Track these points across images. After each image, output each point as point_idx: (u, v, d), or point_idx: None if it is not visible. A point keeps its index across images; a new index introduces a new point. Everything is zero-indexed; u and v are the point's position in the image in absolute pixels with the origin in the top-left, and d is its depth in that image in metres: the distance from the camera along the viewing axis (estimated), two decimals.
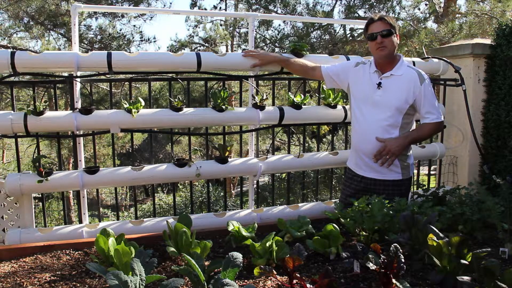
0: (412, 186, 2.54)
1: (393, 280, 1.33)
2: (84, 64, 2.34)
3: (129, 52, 4.99)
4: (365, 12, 10.86)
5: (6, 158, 18.06)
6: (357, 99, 2.43)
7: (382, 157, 2.30)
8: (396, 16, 10.68)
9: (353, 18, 10.50)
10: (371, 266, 1.40)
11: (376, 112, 2.34)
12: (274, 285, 1.48)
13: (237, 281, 1.44)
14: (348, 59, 2.82)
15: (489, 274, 1.30)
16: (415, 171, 3.70)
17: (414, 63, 2.92)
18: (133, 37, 10.73)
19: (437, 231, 1.55)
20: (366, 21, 2.40)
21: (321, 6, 11.05)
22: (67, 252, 1.91)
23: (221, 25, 13.45)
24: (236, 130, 3.20)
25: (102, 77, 2.58)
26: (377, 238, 1.86)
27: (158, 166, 2.50)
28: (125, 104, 2.41)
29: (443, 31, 9.27)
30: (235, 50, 13.83)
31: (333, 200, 2.79)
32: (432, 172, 3.79)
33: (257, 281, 1.51)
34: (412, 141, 2.37)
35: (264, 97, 2.66)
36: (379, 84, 2.35)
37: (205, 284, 1.32)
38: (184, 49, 12.88)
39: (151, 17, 11.14)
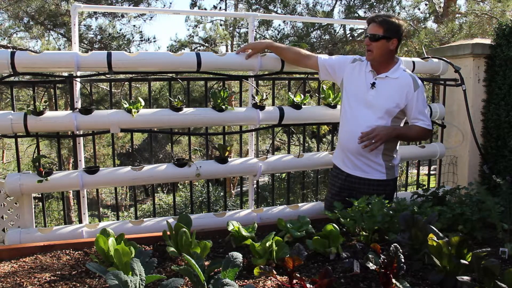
0: (397, 186, 2.53)
1: (393, 280, 1.33)
2: (84, 64, 2.34)
3: (129, 52, 4.99)
4: (365, 12, 10.86)
5: (6, 158, 18.06)
6: (349, 96, 2.42)
7: (369, 140, 2.24)
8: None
9: (353, 18, 10.49)
10: (371, 266, 1.40)
11: (366, 112, 2.33)
12: (274, 285, 1.48)
13: (237, 281, 1.44)
14: None
15: (489, 274, 1.30)
16: (415, 171, 3.70)
17: (414, 63, 2.92)
18: (133, 37, 10.73)
19: (437, 231, 1.55)
20: (366, 20, 2.41)
21: (321, 6, 11.05)
22: (67, 252, 1.91)
23: (221, 25, 13.45)
24: (236, 130, 3.20)
25: (102, 77, 2.58)
26: (377, 238, 1.86)
27: (158, 166, 2.50)
28: (125, 104, 2.41)
29: (443, 31, 9.27)
30: (235, 50, 13.80)
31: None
32: (432, 172, 3.79)
33: (257, 281, 1.51)
34: (399, 135, 2.34)
35: (264, 97, 2.66)
36: (373, 84, 2.34)
37: (205, 284, 1.32)
38: (184, 49, 12.87)
39: (151, 17, 11.13)
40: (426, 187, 2.51)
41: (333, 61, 2.53)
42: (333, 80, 2.59)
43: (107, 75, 2.56)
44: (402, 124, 2.42)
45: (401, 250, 1.43)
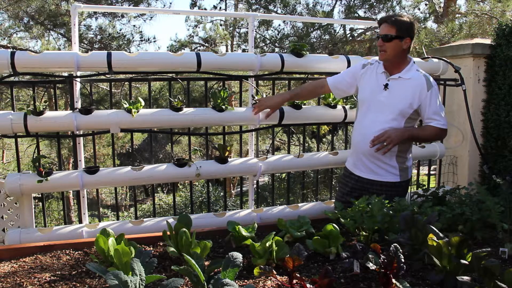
0: (410, 188, 2.53)
1: (393, 280, 1.33)
2: (84, 64, 2.34)
3: (129, 52, 4.99)
4: (365, 12, 10.87)
5: (6, 158, 18.05)
6: (362, 99, 2.42)
7: (380, 143, 2.24)
8: None
9: (353, 18, 10.50)
10: (371, 266, 1.40)
11: (379, 113, 2.32)
12: (274, 285, 1.48)
13: (237, 281, 1.44)
14: (348, 59, 2.82)
15: (489, 274, 1.30)
16: (415, 171, 3.70)
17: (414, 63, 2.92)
18: (133, 37, 10.75)
19: (437, 231, 1.55)
20: (366, 20, 2.41)
21: (321, 6, 11.06)
22: (67, 252, 1.91)
23: (221, 25, 13.46)
24: (236, 130, 3.20)
25: (102, 77, 2.58)
26: (377, 238, 1.86)
27: (158, 166, 2.50)
28: (125, 104, 2.41)
29: (443, 31, 9.28)
30: (235, 50, 13.83)
31: (333, 200, 2.78)
32: (432, 172, 3.79)
33: (257, 281, 1.51)
34: (412, 136, 2.33)
35: (264, 97, 2.66)
36: (386, 86, 2.33)
37: (205, 284, 1.32)
38: (184, 49, 12.88)
39: (151, 17, 11.14)
40: (426, 187, 2.51)
41: (344, 78, 2.51)
42: (351, 94, 2.58)
43: (107, 75, 2.56)
44: (416, 125, 2.41)
45: (401, 250, 1.43)
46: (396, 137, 2.23)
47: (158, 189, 14.22)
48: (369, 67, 2.43)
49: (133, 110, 2.37)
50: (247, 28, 6.59)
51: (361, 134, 2.38)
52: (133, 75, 2.72)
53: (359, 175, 2.43)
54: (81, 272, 1.68)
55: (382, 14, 10.57)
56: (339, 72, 2.59)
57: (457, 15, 11.03)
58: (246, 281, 1.52)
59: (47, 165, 2.64)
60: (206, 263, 1.63)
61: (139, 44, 10.95)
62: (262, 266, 1.43)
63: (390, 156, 2.34)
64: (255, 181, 2.85)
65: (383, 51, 2.29)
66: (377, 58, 2.48)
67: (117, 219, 3.38)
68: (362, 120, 2.40)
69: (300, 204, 2.80)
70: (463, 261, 1.39)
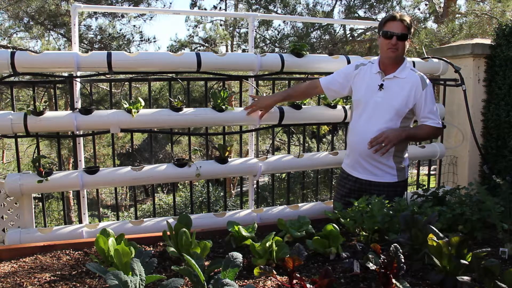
0: (407, 187, 2.53)
1: (393, 280, 1.33)
2: (84, 64, 2.34)
3: (129, 52, 4.99)
4: (365, 12, 10.87)
5: (6, 158, 18.05)
6: (357, 100, 2.42)
7: (378, 144, 2.23)
8: None
9: (353, 18, 10.50)
10: (371, 266, 1.40)
11: (375, 114, 2.32)
12: (274, 285, 1.48)
13: (237, 281, 1.44)
14: (348, 59, 2.82)
15: (489, 274, 1.30)
16: (415, 171, 3.70)
17: (414, 63, 2.92)
18: (133, 37, 10.76)
19: (437, 231, 1.54)
20: (366, 20, 2.41)
21: (321, 6, 11.07)
22: (67, 252, 1.91)
23: (221, 25, 13.47)
24: (236, 130, 3.20)
25: (102, 77, 2.58)
26: (377, 238, 1.86)
27: (158, 166, 2.50)
28: (125, 104, 2.41)
29: (443, 31, 9.27)
30: (235, 50, 13.84)
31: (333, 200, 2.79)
32: (432, 172, 3.79)
33: (257, 281, 1.51)
34: (409, 136, 2.33)
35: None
36: (381, 86, 2.33)
37: (205, 284, 1.32)
38: (184, 49, 12.88)
39: (151, 17, 11.15)
40: (426, 187, 2.50)
41: (336, 79, 2.50)
42: (344, 95, 2.59)
43: (107, 75, 2.56)
44: (411, 124, 2.41)
45: (401, 250, 1.43)
46: (394, 138, 2.23)
47: (158, 189, 14.23)
48: (362, 68, 2.42)
49: (133, 110, 2.37)
50: (247, 28, 6.59)
51: (358, 135, 2.38)
52: (133, 75, 2.72)
53: (357, 177, 2.43)
54: (81, 272, 1.68)
55: (382, 14, 10.58)
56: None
57: (457, 15, 11.03)
58: (246, 281, 1.52)
59: (47, 165, 2.64)
60: (206, 263, 1.63)
61: (139, 44, 10.96)
62: (262, 266, 1.42)
63: (388, 157, 2.34)
64: (255, 181, 2.85)
65: (396, 49, 2.27)
66: (373, 58, 2.48)
67: (117, 219, 3.38)
68: (357, 121, 2.39)
69: (300, 204, 2.80)
70: (463, 261, 1.39)
